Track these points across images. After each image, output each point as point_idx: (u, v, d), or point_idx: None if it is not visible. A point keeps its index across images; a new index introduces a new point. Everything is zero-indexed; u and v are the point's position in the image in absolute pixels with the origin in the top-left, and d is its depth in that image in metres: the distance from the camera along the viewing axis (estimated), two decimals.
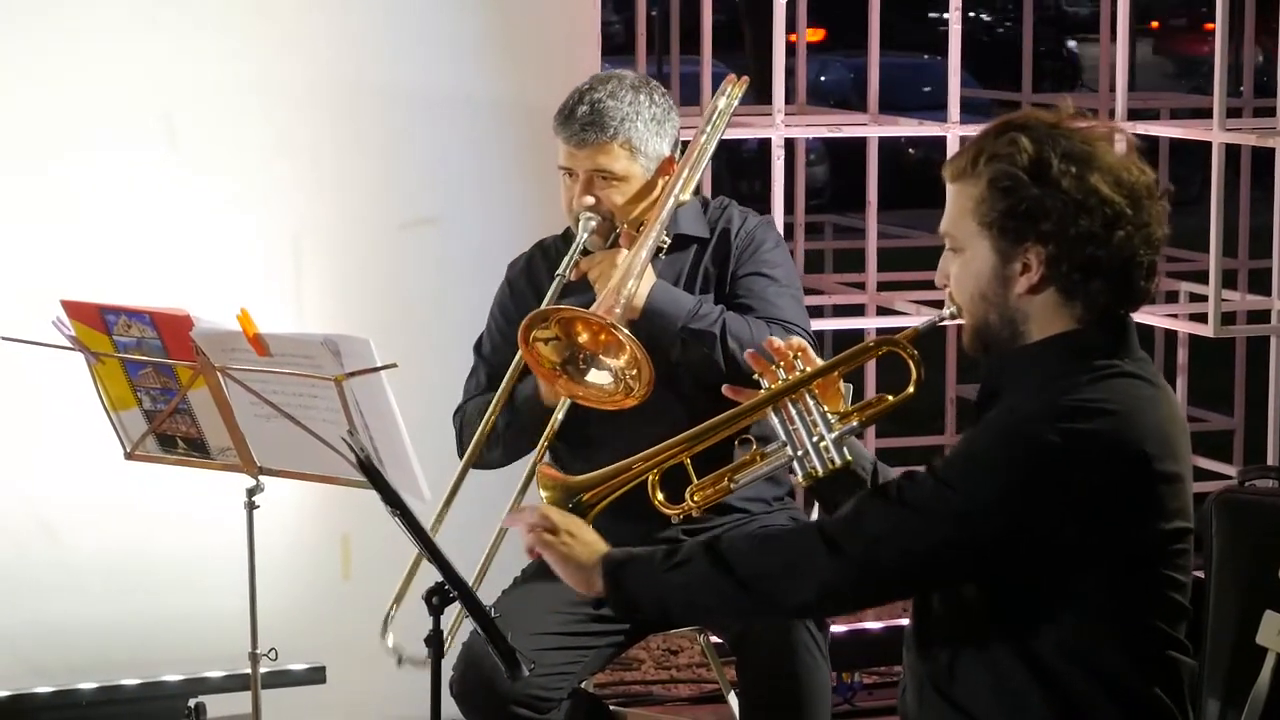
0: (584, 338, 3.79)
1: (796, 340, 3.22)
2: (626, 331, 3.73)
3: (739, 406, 3.22)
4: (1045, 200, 2.90)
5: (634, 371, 3.73)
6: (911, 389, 3.13)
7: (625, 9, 18.74)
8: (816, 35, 24.69)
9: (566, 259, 4.01)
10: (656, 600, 3.09)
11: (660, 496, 3.21)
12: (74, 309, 3.92)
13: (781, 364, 3.17)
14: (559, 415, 4.00)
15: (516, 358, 3.95)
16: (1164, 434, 2.94)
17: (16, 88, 4.81)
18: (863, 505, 2.99)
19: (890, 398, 3.17)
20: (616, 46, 16.07)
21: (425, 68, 5.06)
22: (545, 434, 4.00)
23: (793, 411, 3.15)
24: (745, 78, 4.28)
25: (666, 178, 4.07)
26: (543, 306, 3.88)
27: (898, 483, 2.99)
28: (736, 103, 4.21)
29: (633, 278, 3.87)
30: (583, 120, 4.03)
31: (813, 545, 2.97)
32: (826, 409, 3.15)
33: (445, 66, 5.08)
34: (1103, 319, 2.96)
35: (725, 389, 3.29)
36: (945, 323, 3.12)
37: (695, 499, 3.24)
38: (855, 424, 3.16)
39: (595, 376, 3.80)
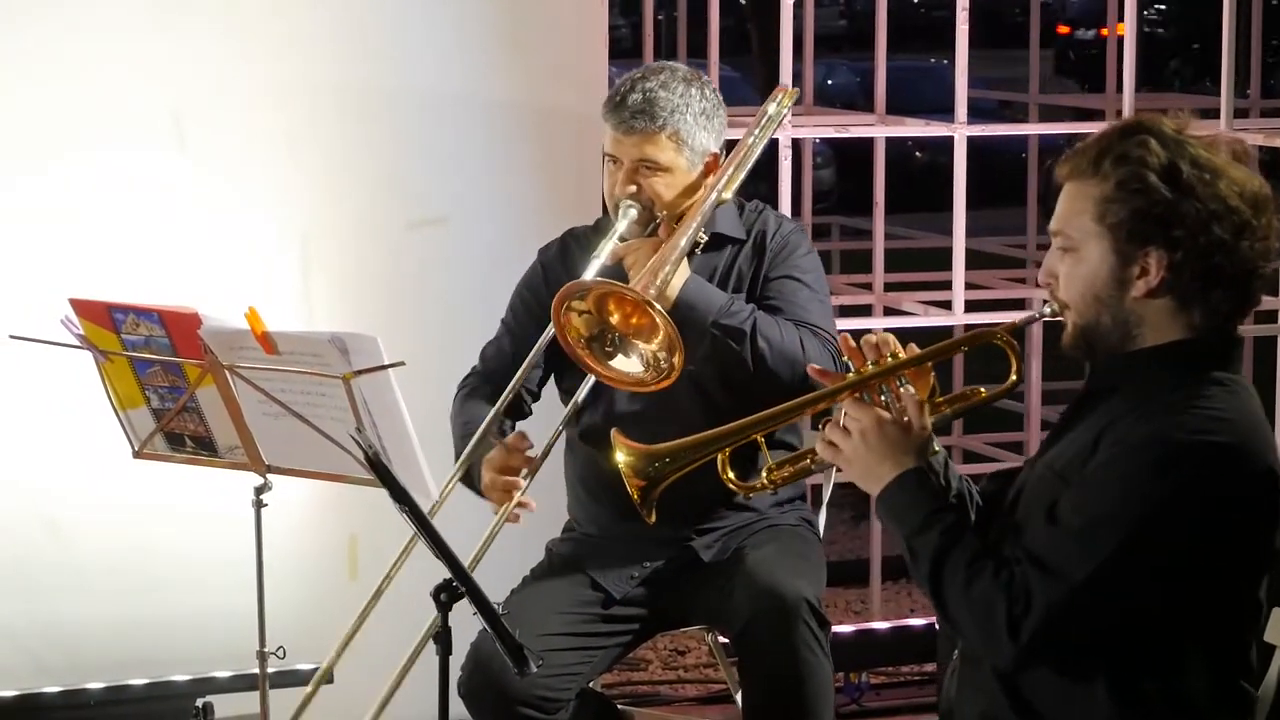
0: (615, 317, 3.77)
1: (891, 336, 3.13)
2: (660, 309, 3.71)
3: (825, 389, 3.12)
4: (1180, 205, 2.87)
5: (665, 353, 3.72)
6: (1015, 377, 3.05)
7: (632, 13, 18.73)
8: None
9: (604, 242, 3.98)
10: (904, 545, 2.99)
11: (731, 474, 3.18)
12: (82, 307, 3.91)
13: (871, 354, 3.07)
14: (579, 397, 4.03)
15: (535, 346, 3.96)
16: (1276, 450, 2.91)
17: (23, 88, 4.82)
18: (1031, 583, 2.84)
19: (984, 390, 3.10)
20: (623, 51, 16.05)
21: (433, 68, 5.07)
22: (564, 418, 4.03)
23: (882, 399, 3.06)
24: (795, 88, 4.34)
25: (710, 173, 4.06)
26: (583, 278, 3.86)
27: (1051, 549, 2.85)
28: (787, 110, 4.24)
29: (669, 264, 3.85)
30: (633, 108, 4.02)
31: (998, 625, 2.85)
32: None
33: (453, 67, 5.08)
34: (1218, 330, 2.94)
35: (810, 369, 3.26)
36: (1044, 319, 3.06)
37: (771, 477, 3.20)
38: (946, 413, 3.10)
39: (622, 363, 3.79)
